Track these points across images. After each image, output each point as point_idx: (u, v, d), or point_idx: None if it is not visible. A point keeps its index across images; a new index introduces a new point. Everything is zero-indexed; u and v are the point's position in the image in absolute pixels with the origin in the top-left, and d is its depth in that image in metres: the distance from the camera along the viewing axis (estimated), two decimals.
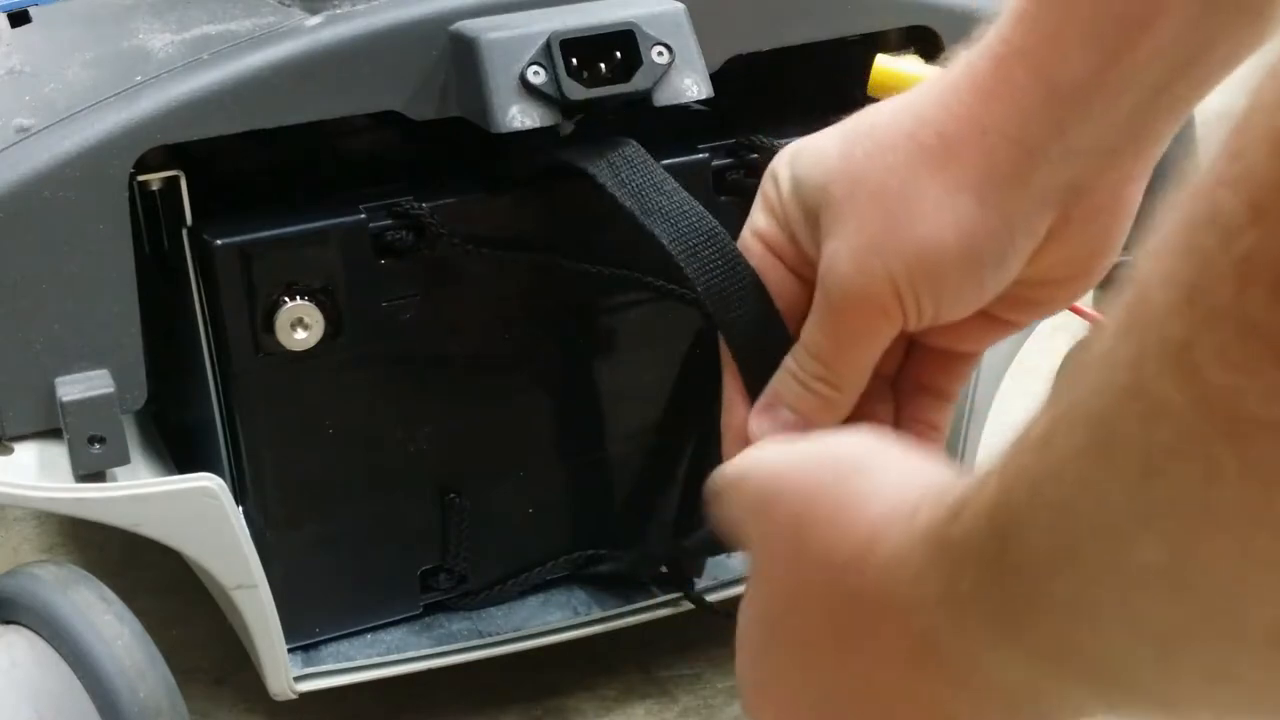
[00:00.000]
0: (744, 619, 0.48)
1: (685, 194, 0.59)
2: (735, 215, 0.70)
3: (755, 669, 0.48)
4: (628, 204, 0.59)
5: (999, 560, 0.32)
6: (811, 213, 0.53)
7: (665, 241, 0.58)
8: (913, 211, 0.50)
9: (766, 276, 0.55)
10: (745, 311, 0.56)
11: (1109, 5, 0.46)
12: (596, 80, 0.63)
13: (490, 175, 0.68)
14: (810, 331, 0.53)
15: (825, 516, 0.43)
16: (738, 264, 0.56)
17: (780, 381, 0.54)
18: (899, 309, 0.50)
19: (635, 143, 0.62)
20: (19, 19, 0.87)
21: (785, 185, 0.54)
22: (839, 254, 0.51)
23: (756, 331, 0.55)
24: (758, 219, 0.56)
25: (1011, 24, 0.48)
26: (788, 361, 0.54)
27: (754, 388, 0.55)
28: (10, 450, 0.63)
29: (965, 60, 0.50)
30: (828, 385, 0.53)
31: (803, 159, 0.54)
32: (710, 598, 0.74)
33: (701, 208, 0.59)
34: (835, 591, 0.42)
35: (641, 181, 0.60)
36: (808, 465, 0.45)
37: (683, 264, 0.57)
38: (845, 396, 0.53)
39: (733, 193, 0.71)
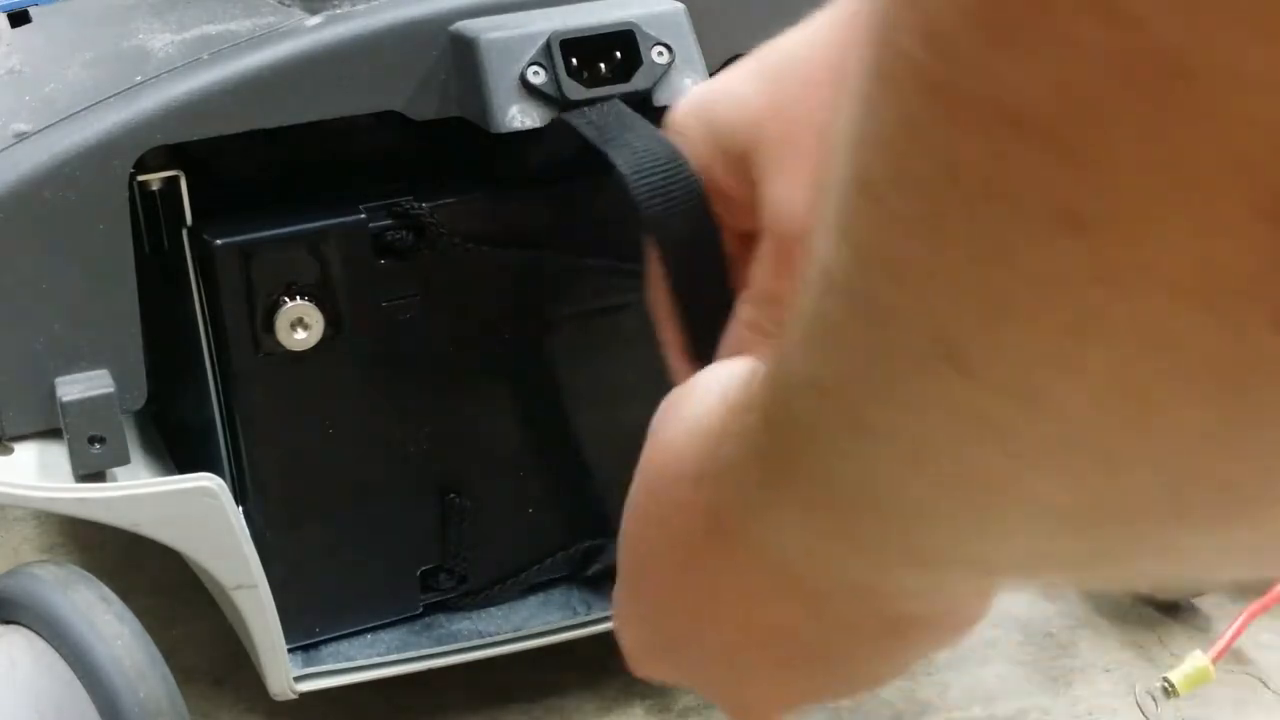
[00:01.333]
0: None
1: (655, 130, 0.58)
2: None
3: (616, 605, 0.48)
4: (590, 135, 0.57)
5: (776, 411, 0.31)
6: (737, 156, 0.53)
7: (619, 165, 0.57)
8: None
9: None
10: (683, 235, 0.53)
11: None
12: (596, 80, 0.63)
13: (490, 175, 0.68)
14: (764, 280, 0.52)
15: (652, 441, 0.44)
16: (690, 185, 0.55)
17: (735, 332, 0.53)
18: None
19: (619, 102, 0.62)
20: (19, 19, 0.87)
21: (697, 133, 0.52)
22: (788, 197, 0.51)
23: (694, 256, 0.53)
24: None
25: None
26: (741, 313, 0.53)
27: (690, 320, 0.55)
28: (10, 450, 0.63)
29: None
30: None
31: (718, 104, 0.52)
32: None
33: (669, 142, 0.57)
34: (658, 500, 0.41)
35: (610, 120, 0.59)
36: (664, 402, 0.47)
37: (631, 186, 0.56)
38: None
39: None
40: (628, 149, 0.57)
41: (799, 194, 0.51)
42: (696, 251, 0.55)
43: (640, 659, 0.49)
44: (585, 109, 0.62)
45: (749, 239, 0.55)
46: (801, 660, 0.42)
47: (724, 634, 0.43)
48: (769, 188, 0.52)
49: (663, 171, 0.56)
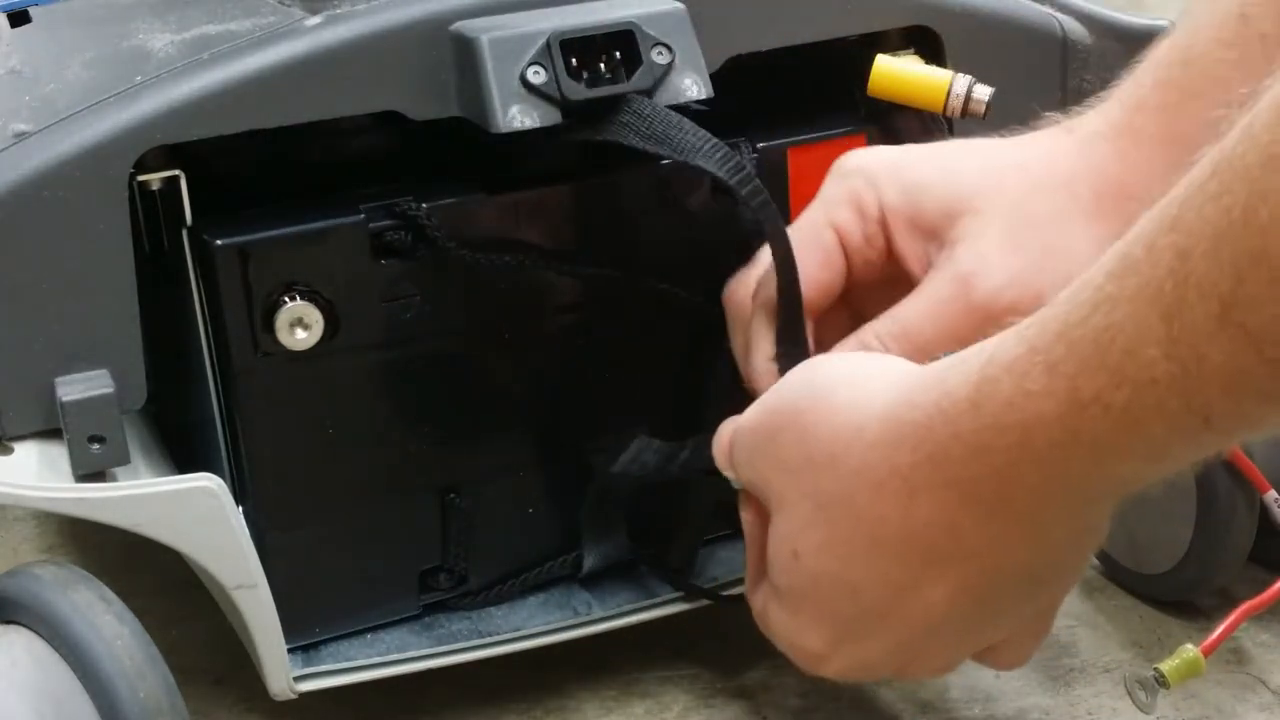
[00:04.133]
0: (782, 561, 0.51)
1: (702, 130, 0.62)
2: (734, 215, 0.70)
3: (803, 601, 0.51)
4: (664, 152, 0.62)
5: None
6: (936, 219, 0.58)
7: (718, 173, 0.61)
8: (1069, 250, 0.56)
9: (827, 258, 0.61)
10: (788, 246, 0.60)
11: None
12: (596, 80, 0.63)
13: (490, 176, 0.68)
14: (910, 312, 0.58)
15: (828, 420, 0.48)
16: (764, 191, 0.61)
17: (851, 349, 0.57)
18: None
19: (635, 96, 0.63)
20: (19, 19, 0.87)
21: (891, 190, 0.60)
22: (991, 261, 0.56)
23: (790, 262, 0.60)
24: (839, 211, 0.61)
25: (1151, 113, 0.56)
26: (865, 334, 0.57)
27: (785, 318, 0.60)
28: (10, 450, 0.63)
29: (1108, 126, 0.57)
30: None
31: (920, 170, 0.59)
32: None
33: (724, 145, 0.62)
34: (869, 485, 0.46)
35: (664, 129, 0.62)
36: (798, 391, 0.50)
37: (737, 187, 0.61)
38: None
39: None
40: (708, 156, 0.60)
41: (1003, 266, 0.56)
42: (791, 264, 0.59)
43: (824, 657, 0.52)
44: (625, 121, 0.63)
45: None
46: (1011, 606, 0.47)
47: (934, 597, 0.47)
48: (964, 245, 0.57)
49: (752, 181, 0.60)
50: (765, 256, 0.62)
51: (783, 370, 0.59)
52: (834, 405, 0.49)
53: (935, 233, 0.58)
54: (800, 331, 0.60)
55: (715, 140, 0.62)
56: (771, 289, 0.61)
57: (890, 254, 0.60)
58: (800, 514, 0.50)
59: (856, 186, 0.61)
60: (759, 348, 0.61)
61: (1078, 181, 0.57)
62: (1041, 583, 0.49)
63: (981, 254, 0.56)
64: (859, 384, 0.49)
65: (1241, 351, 0.35)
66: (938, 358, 0.48)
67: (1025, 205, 0.57)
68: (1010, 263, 0.56)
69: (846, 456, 0.47)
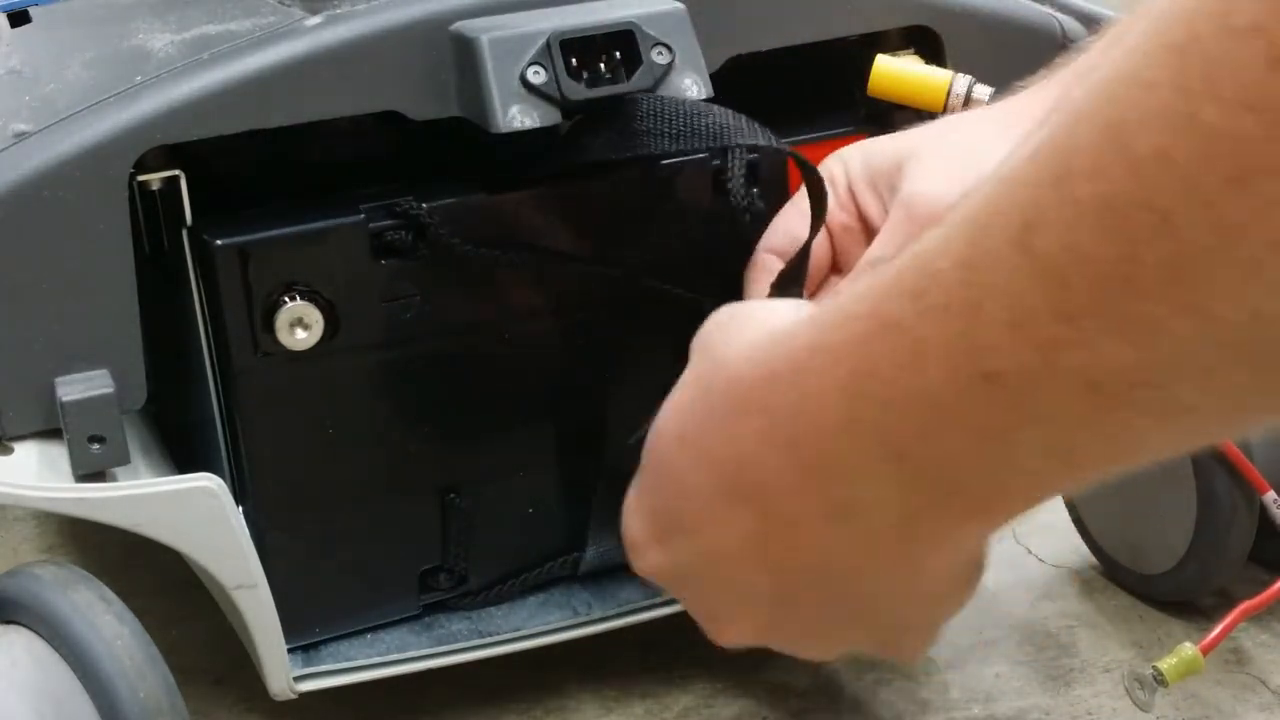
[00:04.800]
0: (649, 436, 0.51)
1: (718, 107, 0.63)
2: (734, 215, 0.70)
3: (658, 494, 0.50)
4: (695, 144, 0.63)
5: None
6: (888, 170, 0.62)
7: (765, 142, 0.64)
8: (988, 154, 0.56)
9: (802, 219, 0.64)
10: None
11: None
12: (596, 80, 0.63)
13: (490, 175, 0.68)
14: (876, 248, 0.61)
15: (722, 340, 0.47)
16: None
17: (834, 289, 0.62)
18: None
19: (631, 98, 0.63)
20: (19, 19, 0.87)
21: (855, 161, 0.64)
22: (927, 178, 0.60)
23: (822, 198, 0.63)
24: None
25: (1076, 56, 0.57)
26: (838, 286, 0.62)
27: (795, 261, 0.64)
28: (10, 450, 0.63)
29: (1048, 80, 0.60)
30: None
31: (878, 142, 0.64)
32: None
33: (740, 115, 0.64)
34: (728, 403, 0.45)
35: (687, 121, 0.63)
36: (719, 318, 0.51)
37: (777, 146, 0.65)
38: None
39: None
40: (746, 131, 0.63)
41: (937, 178, 0.59)
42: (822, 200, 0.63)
43: (642, 546, 0.52)
44: (637, 118, 0.63)
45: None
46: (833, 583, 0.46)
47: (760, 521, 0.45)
48: (908, 180, 0.61)
49: (776, 146, 0.64)
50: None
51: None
52: (756, 319, 0.48)
53: (889, 185, 0.62)
54: (802, 272, 0.63)
55: (738, 114, 0.63)
56: (765, 245, 0.66)
57: (863, 221, 0.64)
58: (677, 396, 0.50)
59: (829, 164, 0.65)
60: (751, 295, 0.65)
61: (1016, 119, 0.60)
62: (855, 592, 0.44)
63: (915, 177, 0.60)
64: (787, 311, 0.49)
65: (1027, 280, 0.33)
66: None
67: (960, 133, 0.62)
68: (939, 172, 0.59)
69: (727, 367, 0.47)
